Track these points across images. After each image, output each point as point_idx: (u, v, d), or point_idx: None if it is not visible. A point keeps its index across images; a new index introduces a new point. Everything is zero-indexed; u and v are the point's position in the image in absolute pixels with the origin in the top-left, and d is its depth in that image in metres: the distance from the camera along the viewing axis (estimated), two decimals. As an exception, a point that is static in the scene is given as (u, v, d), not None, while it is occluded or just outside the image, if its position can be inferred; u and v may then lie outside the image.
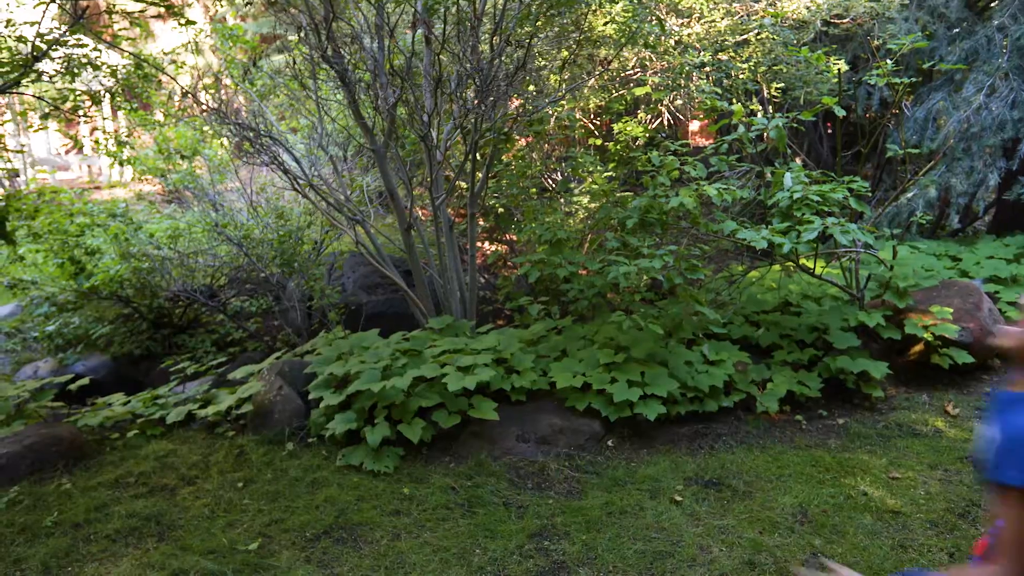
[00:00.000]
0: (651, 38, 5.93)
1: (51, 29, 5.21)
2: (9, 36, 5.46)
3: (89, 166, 18.40)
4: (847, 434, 4.51)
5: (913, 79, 6.73)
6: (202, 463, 4.12)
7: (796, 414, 4.78)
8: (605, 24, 6.04)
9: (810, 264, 5.44)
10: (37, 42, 5.02)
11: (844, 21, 7.48)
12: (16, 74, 4.90)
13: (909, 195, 7.83)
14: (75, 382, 5.07)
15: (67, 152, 20.12)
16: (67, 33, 5.25)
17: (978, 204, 7.78)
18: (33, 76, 5.35)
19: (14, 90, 5.22)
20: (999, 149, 7.68)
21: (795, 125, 5.38)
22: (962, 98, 7.81)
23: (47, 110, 6.06)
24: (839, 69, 5.75)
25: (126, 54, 6.37)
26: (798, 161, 8.23)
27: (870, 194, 5.22)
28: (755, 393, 4.76)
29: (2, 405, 4.48)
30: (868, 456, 4.18)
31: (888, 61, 5.15)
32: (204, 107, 6.51)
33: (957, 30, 8.11)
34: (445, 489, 3.85)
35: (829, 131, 10.20)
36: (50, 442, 4.06)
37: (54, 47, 5.16)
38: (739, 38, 6.88)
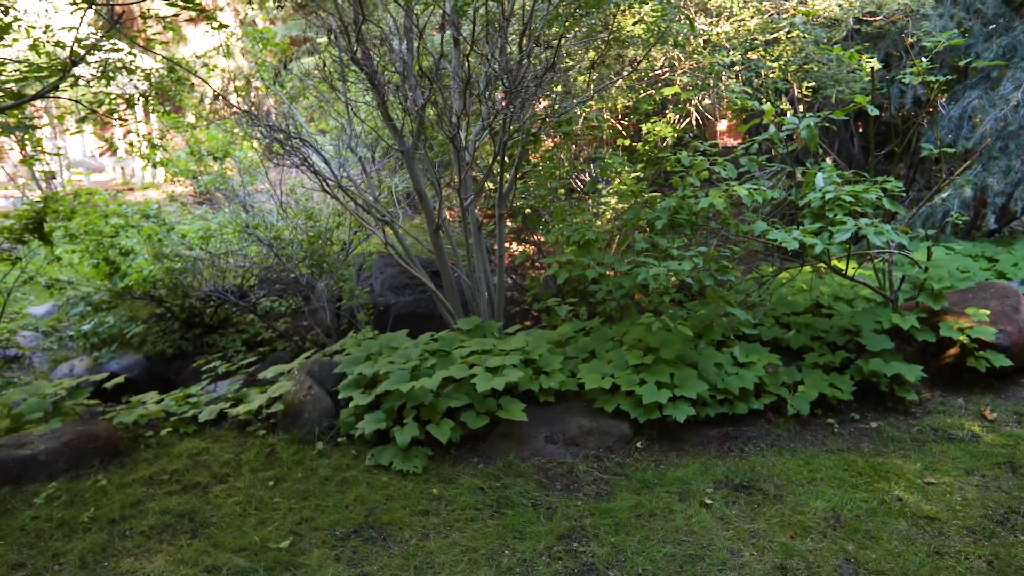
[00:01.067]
0: (680, 37, 5.90)
1: (88, 34, 5.32)
2: (47, 41, 5.57)
3: (123, 168, 18.76)
4: (880, 438, 4.44)
5: (948, 77, 6.60)
6: (234, 461, 4.17)
7: (828, 417, 4.71)
8: (634, 24, 6.01)
9: (842, 265, 5.36)
10: (75, 47, 5.12)
11: (877, 19, 7.37)
12: (55, 79, 5.01)
13: (944, 195, 7.69)
14: (110, 380, 5.16)
15: (101, 154, 20.52)
16: (103, 38, 5.36)
17: (1016, 204, 7.61)
18: (70, 80, 5.45)
19: (52, 94, 5.32)
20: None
21: (826, 124, 5.31)
22: (999, 96, 7.65)
23: (83, 114, 6.16)
24: (872, 67, 5.66)
25: (159, 58, 6.48)
26: (829, 161, 8.12)
27: (904, 194, 5.13)
28: (786, 396, 4.70)
29: (40, 402, 4.58)
30: (902, 461, 4.11)
31: (923, 59, 5.06)
32: (235, 109, 6.60)
33: (994, 26, 7.95)
34: (474, 490, 3.86)
35: (860, 130, 10.05)
36: (86, 439, 4.14)
37: (91, 52, 5.25)
38: (769, 37, 6.81)
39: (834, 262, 5.31)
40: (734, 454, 4.30)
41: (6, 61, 5.17)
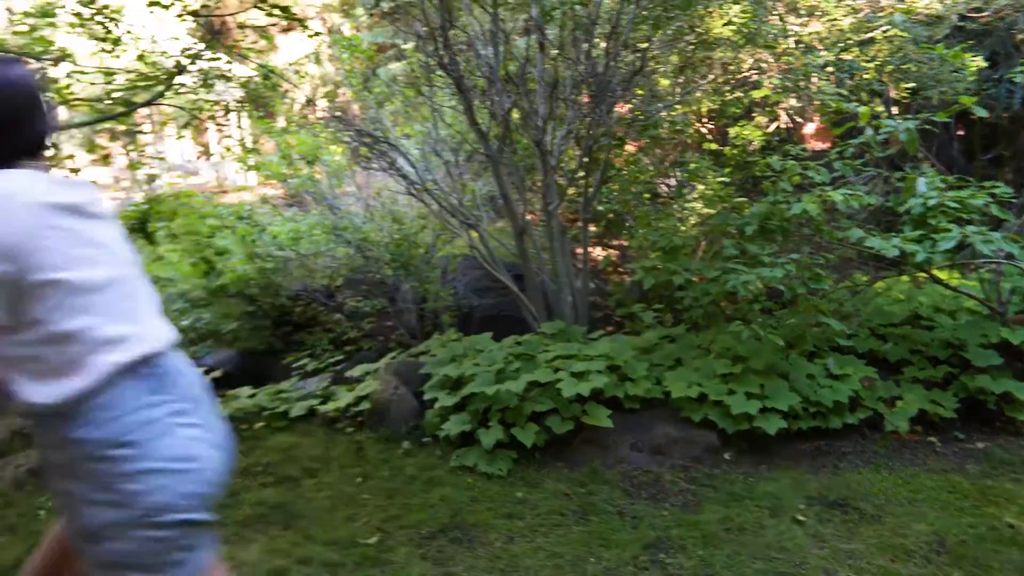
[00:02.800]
0: (769, 38, 5.73)
1: (191, 44, 5.56)
2: (153, 52, 5.86)
3: (217, 171, 19.63)
4: (988, 459, 4.19)
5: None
6: (323, 457, 4.29)
7: (929, 435, 4.48)
8: (723, 26, 5.89)
9: (943, 275, 5.10)
10: (179, 57, 5.38)
11: (983, 15, 6.98)
12: (161, 87, 5.25)
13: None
14: (209, 374, 5.39)
15: (198, 158, 21.51)
16: (205, 48, 5.60)
17: None
18: (173, 88, 5.72)
19: (158, 101, 5.56)
20: None
21: (926, 127, 5.06)
22: (1121, 95, 7.13)
23: (185, 120, 6.44)
24: (978, 66, 5.37)
25: (255, 65, 6.73)
26: (928, 165, 7.74)
27: (1013, 200, 4.85)
28: (883, 411, 4.49)
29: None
30: (1013, 485, 3.87)
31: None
32: (326, 114, 6.80)
33: (1116, 21, 7.41)
34: (558, 495, 3.85)
35: (961, 133, 9.53)
36: (187, 431, 4.33)
37: (193, 61, 5.48)
38: (864, 36, 6.54)
39: (934, 271, 5.05)
40: (827, 470, 4.14)
41: (116, 71, 5.47)
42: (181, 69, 5.36)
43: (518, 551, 3.33)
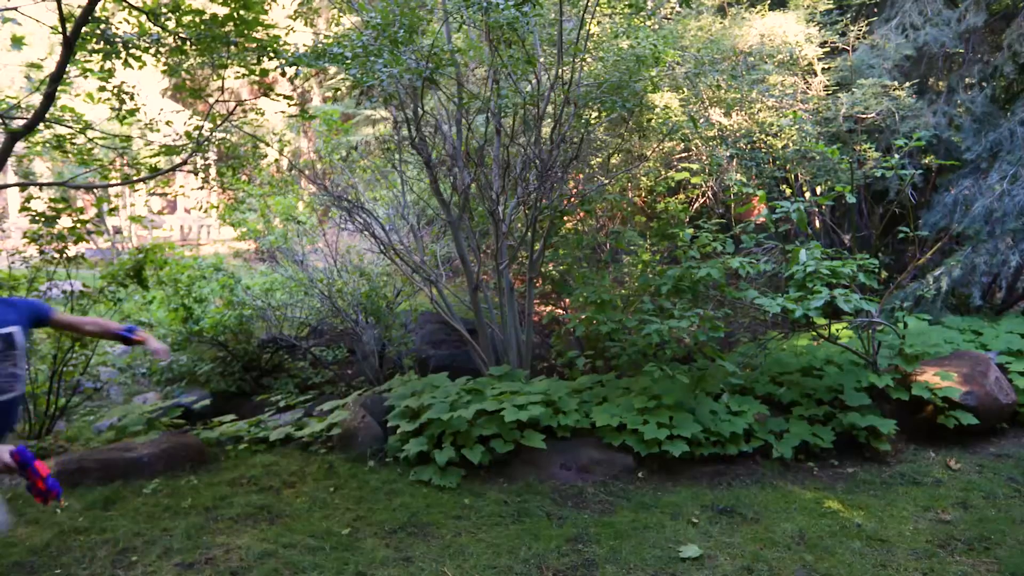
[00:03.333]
0: (688, 131, 6.85)
1: (200, 125, 6.43)
2: (178, 134, 6.63)
3: (181, 225, 20.23)
4: (854, 480, 5.10)
5: (921, 171, 7.42)
6: (299, 472, 5.00)
7: (809, 462, 5.39)
8: (648, 122, 7.00)
9: (844, 334, 6.08)
10: (200, 132, 6.26)
11: (870, 115, 8.27)
12: (185, 155, 6.10)
13: (938, 272, 8.41)
14: (196, 404, 6.06)
15: (159, 213, 22.07)
16: (217, 128, 6.49)
17: (1000, 283, 8.30)
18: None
19: (182, 168, 6.39)
20: (1021, 232, 8.23)
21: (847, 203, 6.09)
22: (987, 185, 8.43)
23: (200, 184, 7.20)
24: (850, 161, 6.53)
25: (246, 136, 7.61)
26: (846, 239, 8.91)
27: (878, 270, 5.90)
28: (772, 441, 5.40)
29: (139, 418, 5.48)
30: (869, 498, 4.78)
31: (895, 156, 5.93)
32: (307, 177, 7.67)
33: (978, 124, 8.80)
34: (499, 502, 4.62)
35: (881, 212, 10.82)
36: (180, 448, 5.02)
37: (209, 139, 6.35)
38: (775, 130, 7.74)
39: (833, 330, 6.04)
40: (722, 487, 5.00)
41: (131, 137, 6.28)
42: (201, 141, 6.22)
43: (464, 542, 4.08)
